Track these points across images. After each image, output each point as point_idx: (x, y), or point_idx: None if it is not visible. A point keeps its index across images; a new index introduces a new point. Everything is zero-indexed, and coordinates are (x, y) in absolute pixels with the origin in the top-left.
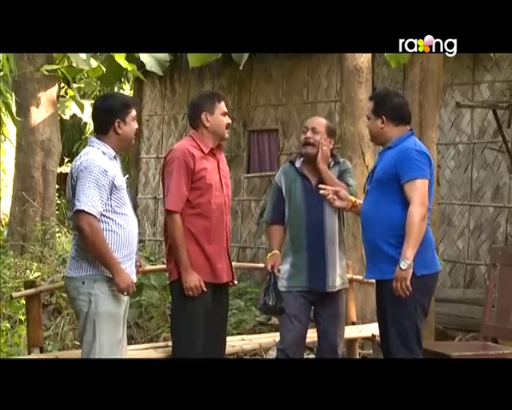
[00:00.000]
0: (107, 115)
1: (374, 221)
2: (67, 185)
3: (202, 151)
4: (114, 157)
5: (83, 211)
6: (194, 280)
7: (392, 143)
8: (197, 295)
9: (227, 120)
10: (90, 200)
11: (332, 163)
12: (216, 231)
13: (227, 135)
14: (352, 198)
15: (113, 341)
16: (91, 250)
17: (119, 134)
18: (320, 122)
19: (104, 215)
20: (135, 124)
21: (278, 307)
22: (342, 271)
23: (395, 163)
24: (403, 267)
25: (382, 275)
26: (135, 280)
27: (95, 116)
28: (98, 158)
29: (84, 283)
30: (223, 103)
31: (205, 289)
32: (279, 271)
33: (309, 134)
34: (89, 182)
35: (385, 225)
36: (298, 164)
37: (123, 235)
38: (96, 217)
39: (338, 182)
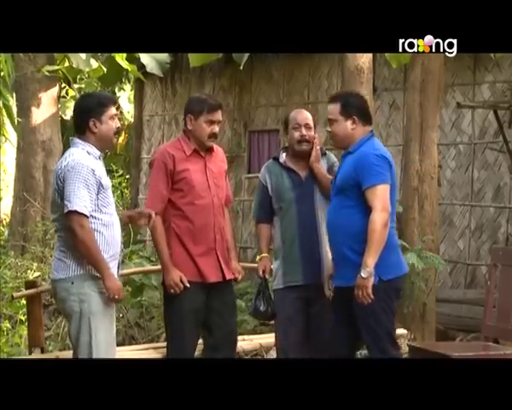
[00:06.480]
0: (83, 115)
1: (337, 228)
2: (52, 187)
3: (185, 153)
4: (99, 157)
5: (75, 211)
6: (172, 278)
7: (351, 148)
8: (179, 292)
9: (212, 129)
10: (80, 200)
11: (320, 155)
12: (201, 233)
13: (210, 144)
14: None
15: (109, 338)
16: (82, 251)
17: (95, 133)
18: (309, 117)
19: (91, 215)
20: (114, 122)
21: (269, 312)
22: None
23: (355, 169)
24: (364, 276)
25: (347, 282)
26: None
27: (73, 116)
28: (84, 158)
29: (73, 283)
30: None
31: (187, 285)
32: (270, 275)
33: (304, 131)
34: (78, 182)
35: (348, 231)
36: (282, 159)
37: (108, 235)
38: (87, 217)
39: (329, 177)
